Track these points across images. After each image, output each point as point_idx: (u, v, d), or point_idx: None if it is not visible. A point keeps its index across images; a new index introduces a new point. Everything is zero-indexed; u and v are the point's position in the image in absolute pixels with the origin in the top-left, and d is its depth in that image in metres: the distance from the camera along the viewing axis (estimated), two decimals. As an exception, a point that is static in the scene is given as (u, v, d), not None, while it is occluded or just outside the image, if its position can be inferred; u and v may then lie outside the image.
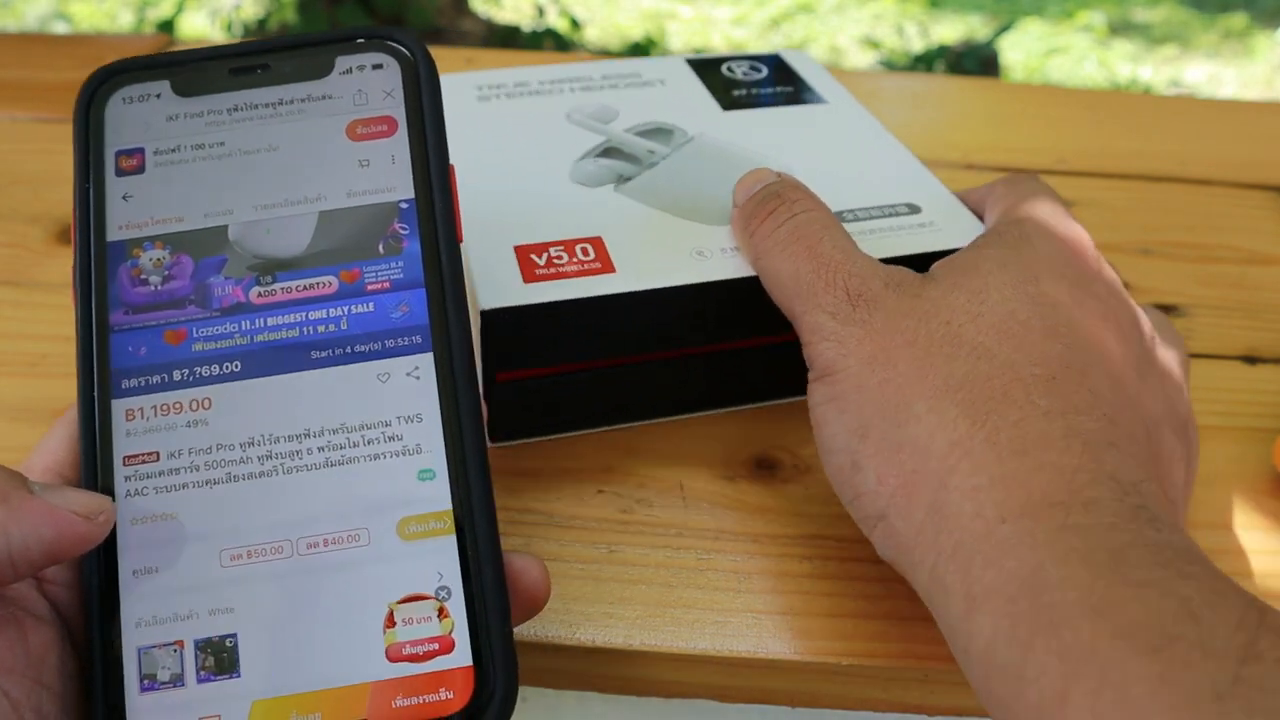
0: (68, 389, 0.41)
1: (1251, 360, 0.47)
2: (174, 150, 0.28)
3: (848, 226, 0.41)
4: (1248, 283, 0.52)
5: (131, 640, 0.24)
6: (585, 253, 0.39)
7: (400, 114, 0.28)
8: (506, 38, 2.52)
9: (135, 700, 0.23)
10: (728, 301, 0.39)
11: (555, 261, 0.38)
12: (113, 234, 0.27)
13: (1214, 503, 0.39)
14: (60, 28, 2.64)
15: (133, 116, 0.28)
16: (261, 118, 0.28)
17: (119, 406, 0.26)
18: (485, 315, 0.36)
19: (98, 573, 0.24)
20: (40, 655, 0.23)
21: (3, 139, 0.59)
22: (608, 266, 0.38)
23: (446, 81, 0.51)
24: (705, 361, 0.40)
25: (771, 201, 0.35)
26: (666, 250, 0.39)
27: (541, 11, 2.65)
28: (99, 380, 0.26)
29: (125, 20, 2.66)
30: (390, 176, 0.28)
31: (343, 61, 0.29)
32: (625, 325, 0.38)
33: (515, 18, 2.71)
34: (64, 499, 0.22)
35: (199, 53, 0.29)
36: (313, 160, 0.28)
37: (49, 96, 0.63)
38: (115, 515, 0.23)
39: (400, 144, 0.28)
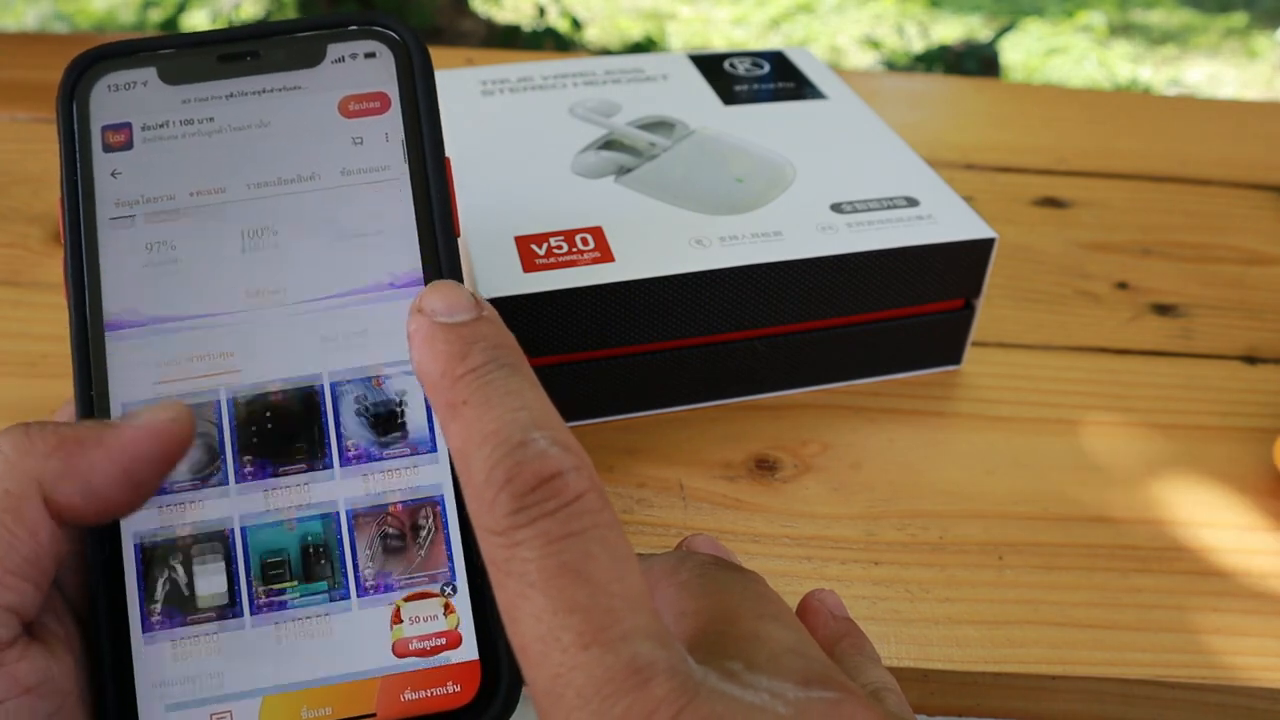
0: (67, 388, 0.41)
1: (1251, 360, 0.47)
2: (163, 125, 0.27)
3: (846, 218, 0.41)
4: (1248, 283, 0.52)
5: (140, 634, 0.24)
6: (585, 242, 0.39)
7: (396, 104, 0.28)
8: (507, 37, 2.52)
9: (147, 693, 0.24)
10: (727, 291, 0.39)
11: (555, 251, 0.39)
12: (103, 213, 0.26)
13: (1214, 503, 0.39)
14: (60, 28, 2.64)
15: (118, 104, 0.27)
16: (251, 97, 0.28)
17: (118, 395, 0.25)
18: None
19: (103, 568, 0.24)
20: (67, 672, 0.23)
21: (3, 139, 0.59)
22: (607, 256, 0.38)
23: (451, 76, 0.51)
24: (704, 352, 0.40)
25: (540, 478, 0.19)
26: (666, 240, 0.39)
27: (542, 11, 2.65)
28: (95, 361, 0.26)
29: (127, 19, 2.65)
30: (384, 156, 0.27)
31: (334, 50, 0.28)
32: (624, 314, 0.38)
33: (515, 17, 2.71)
34: (145, 416, 0.23)
35: (186, 38, 0.28)
36: (305, 138, 0.27)
37: (49, 96, 0.63)
38: (193, 417, 0.24)
39: (394, 124, 0.28)
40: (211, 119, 0.27)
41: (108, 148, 0.27)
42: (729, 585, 0.24)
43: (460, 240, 0.28)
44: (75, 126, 0.27)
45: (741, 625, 0.22)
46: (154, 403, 0.24)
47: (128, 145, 0.27)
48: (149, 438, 0.23)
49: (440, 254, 0.26)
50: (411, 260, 0.27)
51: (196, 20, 2.58)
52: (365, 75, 0.28)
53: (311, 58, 0.28)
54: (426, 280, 0.26)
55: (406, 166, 0.27)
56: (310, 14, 2.41)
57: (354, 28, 0.28)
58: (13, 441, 0.22)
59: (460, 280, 0.27)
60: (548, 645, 0.18)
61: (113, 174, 0.27)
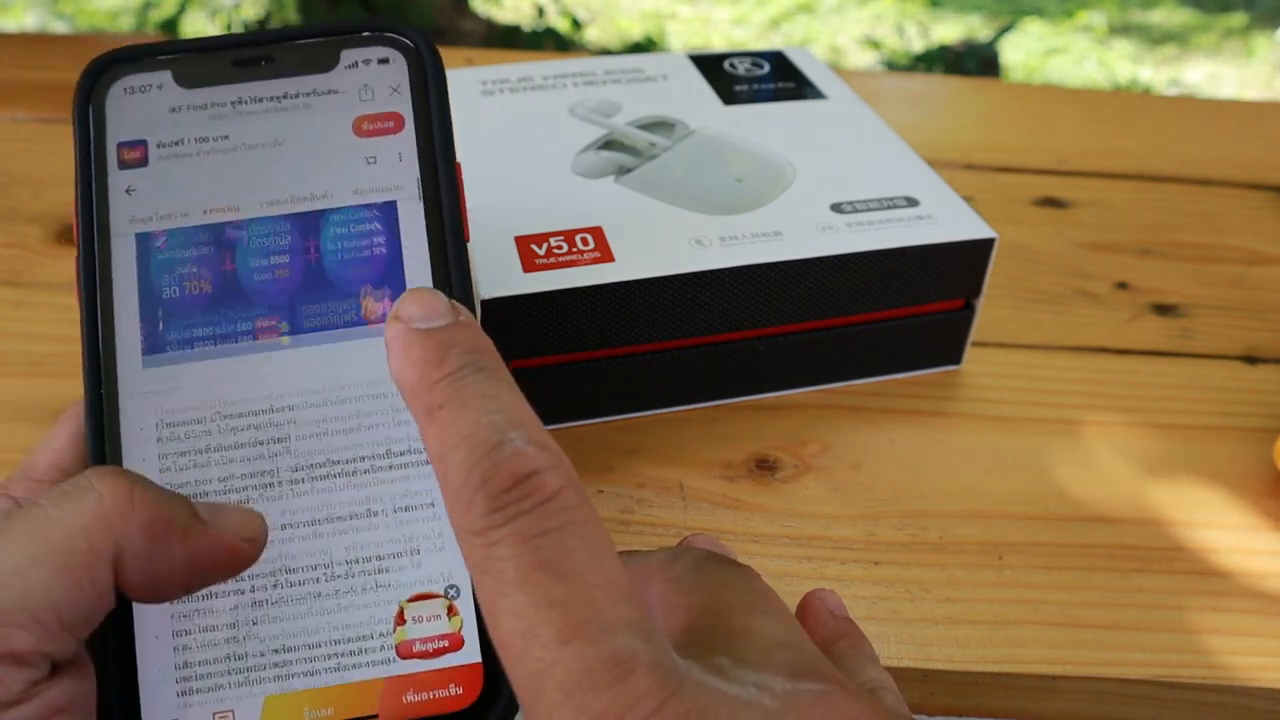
0: (68, 389, 0.41)
1: (1251, 360, 0.47)
2: (177, 143, 0.27)
3: (846, 218, 0.41)
4: (1248, 283, 0.52)
5: (145, 639, 0.24)
6: (585, 242, 0.39)
7: (408, 111, 0.28)
8: (507, 38, 2.52)
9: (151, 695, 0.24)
10: (727, 291, 0.39)
11: (555, 251, 0.39)
12: (117, 229, 0.27)
13: (1214, 503, 0.39)
14: (60, 28, 2.64)
15: (134, 108, 0.27)
16: (266, 111, 0.28)
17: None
18: (485, 305, 0.36)
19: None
20: (90, 684, 0.23)
21: (3, 139, 0.59)
22: (607, 256, 0.39)
23: (451, 76, 0.51)
24: (704, 352, 0.41)
25: (516, 478, 0.19)
26: (665, 240, 0.39)
27: (542, 11, 2.65)
28: (106, 377, 0.26)
29: (127, 22, 2.65)
30: (397, 174, 0.28)
31: (348, 55, 0.28)
32: (624, 314, 0.38)
33: (515, 18, 2.71)
34: (230, 524, 0.23)
35: (201, 42, 0.28)
36: (319, 156, 0.28)
37: (49, 96, 0.63)
38: (267, 534, 0.24)
39: (408, 142, 0.28)
40: (226, 136, 0.28)
41: (123, 164, 0.27)
42: (722, 579, 0.23)
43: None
44: (91, 132, 0.27)
45: (733, 620, 0.22)
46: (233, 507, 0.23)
47: (142, 162, 0.27)
48: (224, 552, 0.22)
49: (450, 264, 0.27)
50: (422, 271, 0.27)
51: (196, 20, 2.58)
52: (378, 83, 0.28)
53: (325, 63, 0.28)
54: (435, 286, 0.27)
55: (419, 186, 0.27)
56: (311, 15, 2.41)
57: (367, 34, 0.28)
58: (113, 495, 0.21)
59: (470, 290, 0.27)
60: (528, 641, 0.18)
61: (127, 191, 0.27)
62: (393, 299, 0.26)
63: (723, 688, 0.19)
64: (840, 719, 0.19)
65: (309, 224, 0.27)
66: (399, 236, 0.27)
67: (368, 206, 0.27)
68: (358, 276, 0.27)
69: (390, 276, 0.27)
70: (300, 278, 0.26)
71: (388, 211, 0.27)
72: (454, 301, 0.22)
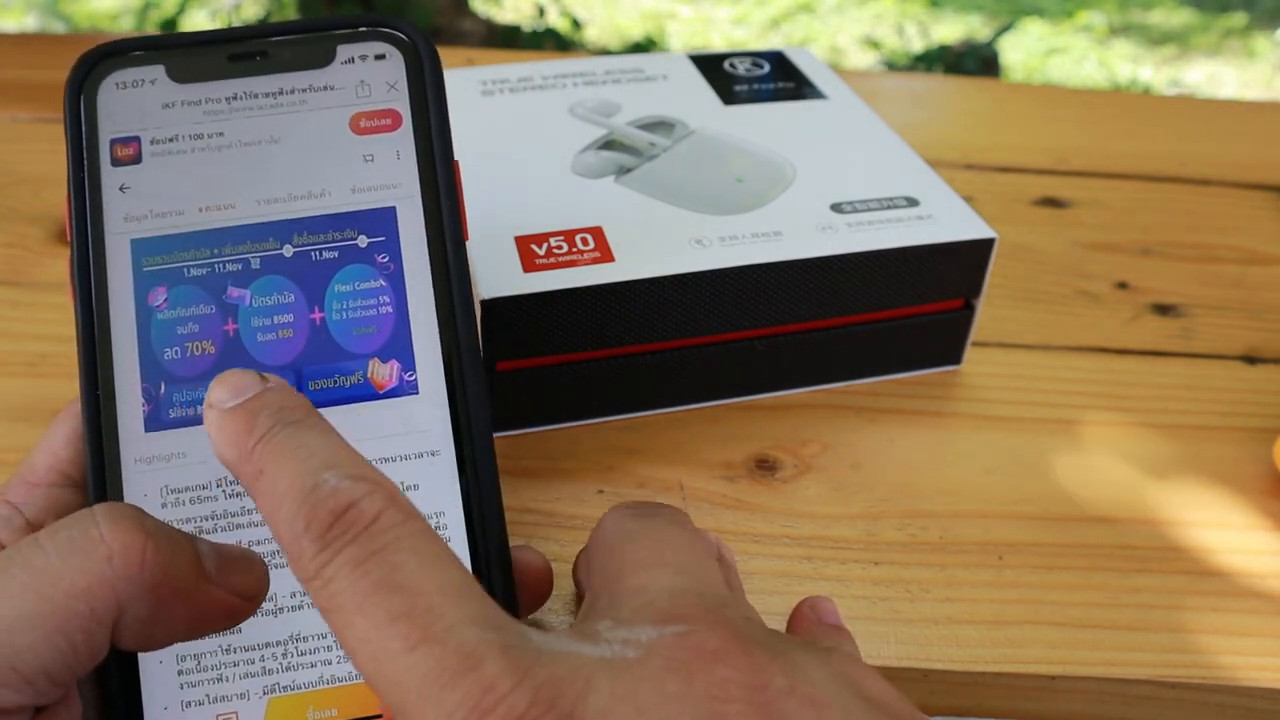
0: (68, 389, 0.41)
1: (1251, 360, 0.47)
2: (172, 140, 0.27)
3: (846, 218, 0.41)
4: (1248, 283, 0.52)
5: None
6: (585, 242, 0.39)
7: (405, 108, 0.28)
8: (507, 38, 2.52)
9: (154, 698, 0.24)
10: (727, 291, 0.39)
11: (555, 251, 0.39)
12: (111, 227, 0.26)
13: (1214, 503, 0.39)
14: (60, 28, 2.64)
15: (127, 103, 0.27)
16: (261, 108, 0.28)
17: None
18: (485, 305, 0.36)
19: None
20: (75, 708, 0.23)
21: (3, 139, 0.59)
22: (607, 256, 0.39)
23: (451, 76, 0.51)
24: (704, 352, 0.40)
25: (334, 514, 0.19)
26: (666, 240, 0.39)
27: (542, 11, 2.65)
28: (103, 379, 0.25)
29: (127, 22, 2.65)
30: (395, 172, 0.27)
31: (344, 51, 0.28)
32: (624, 314, 0.38)
33: (515, 18, 2.71)
34: (233, 584, 0.22)
35: (195, 36, 0.28)
36: (316, 155, 0.27)
37: (49, 96, 0.63)
38: (268, 588, 0.23)
39: (405, 139, 0.28)
40: (221, 133, 0.27)
41: (116, 161, 0.27)
42: (634, 537, 0.23)
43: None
44: (83, 127, 0.27)
45: (625, 581, 0.22)
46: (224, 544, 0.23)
47: (136, 159, 0.27)
48: (222, 612, 0.22)
49: (450, 265, 0.27)
50: (423, 277, 0.27)
51: (196, 21, 2.58)
52: (375, 79, 0.28)
53: (321, 58, 0.28)
54: (435, 293, 0.27)
55: (418, 183, 0.27)
56: (311, 14, 2.41)
57: (364, 29, 0.28)
58: (124, 554, 0.20)
59: (470, 291, 0.27)
60: (380, 661, 0.18)
61: (121, 188, 0.27)
62: (401, 367, 0.26)
63: (585, 651, 0.19)
64: (700, 655, 0.19)
65: (313, 282, 0.27)
66: (406, 305, 0.27)
67: (374, 267, 0.27)
68: (365, 342, 0.26)
69: (398, 344, 0.26)
70: (305, 341, 0.26)
71: (396, 281, 0.27)
72: (262, 374, 0.22)
